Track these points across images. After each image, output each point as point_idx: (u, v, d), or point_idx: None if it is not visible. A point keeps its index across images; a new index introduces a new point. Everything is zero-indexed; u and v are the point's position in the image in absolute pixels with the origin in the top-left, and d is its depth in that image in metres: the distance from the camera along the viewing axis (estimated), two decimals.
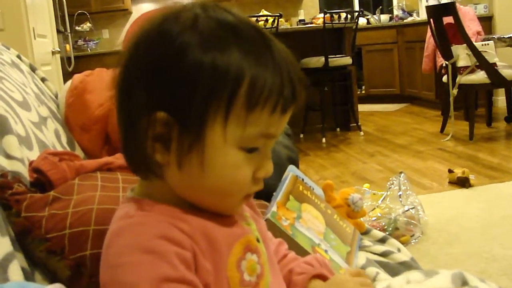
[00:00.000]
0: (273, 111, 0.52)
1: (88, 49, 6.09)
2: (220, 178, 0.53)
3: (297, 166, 1.22)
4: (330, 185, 1.27)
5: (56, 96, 1.33)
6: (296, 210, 0.98)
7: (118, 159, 1.01)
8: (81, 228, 0.72)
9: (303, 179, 1.10)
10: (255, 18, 4.21)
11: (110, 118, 1.21)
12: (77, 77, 1.27)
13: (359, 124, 4.54)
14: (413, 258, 1.08)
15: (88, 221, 0.72)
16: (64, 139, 1.15)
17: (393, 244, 1.17)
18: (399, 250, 1.13)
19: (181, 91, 0.50)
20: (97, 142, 1.22)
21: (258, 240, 0.60)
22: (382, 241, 1.19)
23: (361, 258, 1.02)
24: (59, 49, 3.48)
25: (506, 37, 3.99)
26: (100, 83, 1.25)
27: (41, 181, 0.81)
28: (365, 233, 1.21)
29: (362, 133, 4.47)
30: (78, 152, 1.19)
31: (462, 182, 2.73)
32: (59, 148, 1.07)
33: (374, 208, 2.15)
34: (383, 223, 2.06)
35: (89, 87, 1.23)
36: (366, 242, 1.13)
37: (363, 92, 6.26)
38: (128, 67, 0.54)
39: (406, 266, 1.03)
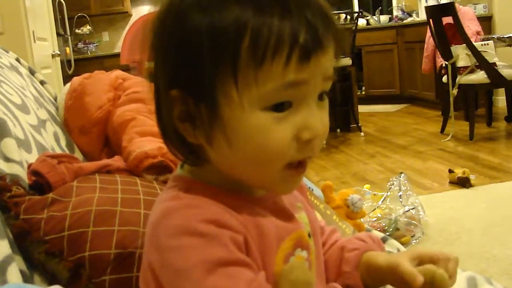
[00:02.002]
0: (287, 61, 0.46)
1: (88, 52, 6.11)
2: (250, 147, 0.48)
3: None
4: (329, 186, 1.27)
5: (55, 99, 1.33)
6: None
7: (117, 161, 1.01)
8: (80, 229, 0.72)
9: None
10: None
11: (109, 120, 1.21)
12: (76, 79, 1.28)
13: (359, 125, 4.54)
14: None
15: (87, 222, 0.72)
16: (63, 142, 1.15)
17: (392, 244, 1.17)
18: (398, 250, 1.13)
19: (186, 61, 0.47)
20: (96, 145, 1.23)
21: (309, 235, 0.56)
22: (382, 241, 1.19)
23: None
24: (59, 52, 3.49)
25: (505, 36, 3.98)
26: (99, 85, 1.25)
27: (39, 184, 0.81)
28: None
29: (362, 133, 4.47)
30: (77, 154, 1.19)
31: (463, 182, 2.73)
32: (58, 151, 1.07)
33: (375, 209, 2.15)
34: (384, 224, 2.06)
35: (88, 89, 1.23)
36: None
37: (363, 93, 6.26)
38: (151, 52, 0.51)
39: None
